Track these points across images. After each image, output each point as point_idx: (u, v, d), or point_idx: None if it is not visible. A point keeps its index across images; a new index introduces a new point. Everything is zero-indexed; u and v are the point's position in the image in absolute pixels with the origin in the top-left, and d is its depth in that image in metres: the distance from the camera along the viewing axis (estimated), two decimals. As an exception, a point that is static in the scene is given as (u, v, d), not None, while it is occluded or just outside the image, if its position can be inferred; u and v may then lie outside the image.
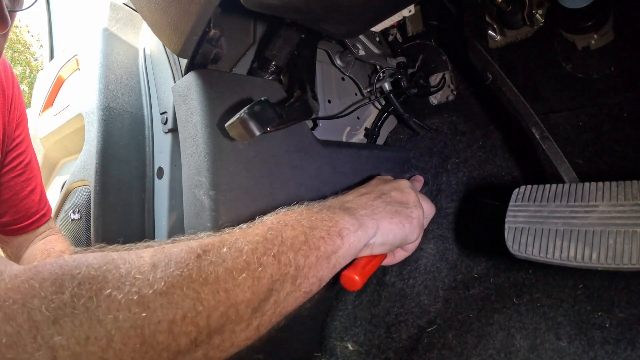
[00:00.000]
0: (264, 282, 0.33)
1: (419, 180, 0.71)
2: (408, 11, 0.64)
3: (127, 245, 0.35)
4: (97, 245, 0.33)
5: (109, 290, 0.27)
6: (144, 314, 0.27)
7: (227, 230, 0.38)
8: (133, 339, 0.26)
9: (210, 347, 0.31)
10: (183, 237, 0.36)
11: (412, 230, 0.49)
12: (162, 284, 0.28)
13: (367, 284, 0.70)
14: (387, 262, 0.55)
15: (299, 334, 0.65)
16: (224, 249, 0.33)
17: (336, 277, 0.44)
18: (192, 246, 0.32)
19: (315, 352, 0.67)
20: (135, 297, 0.27)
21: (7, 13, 0.42)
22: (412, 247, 0.54)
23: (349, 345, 0.64)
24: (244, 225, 0.39)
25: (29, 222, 0.72)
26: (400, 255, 0.55)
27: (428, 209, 0.56)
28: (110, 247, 0.33)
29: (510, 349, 0.51)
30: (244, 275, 0.32)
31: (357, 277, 0.46)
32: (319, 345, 0.67)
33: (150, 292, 0.28)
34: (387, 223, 0.46)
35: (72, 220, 0.84)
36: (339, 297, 0.70)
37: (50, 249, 0.72)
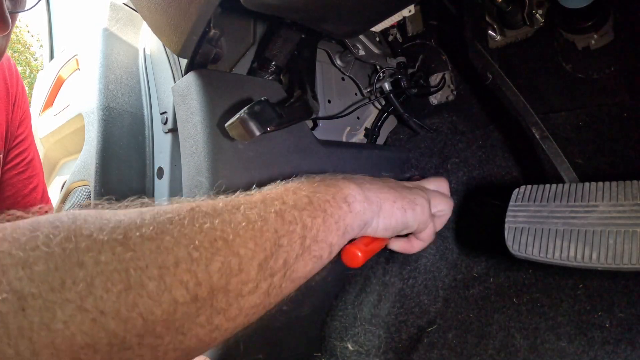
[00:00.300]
0: (267, 235, 0.30)
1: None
2: (408, 11, 0.64)
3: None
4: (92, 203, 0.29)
5: (90, 231, 0.23)
6: (129, 254, 0.23)
7: (221, 196, 0.35)
8: (117, 285, 0.22)
9: (214, 309, 0.26)
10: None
11: (415, 217, 0.46)
12: (151, 228, 0.25)
13: (367, 284, 0.70)
14: (406, 249, 0.53)
15: (299, 334, 0.65)
16: (220, 204, 0.30)
17: (338, 257, 0.42)
18: (185, 202, 0.29)
19: (315, 352, 0.67)
20: (120, 237, 0.23)
21: (8, 15, 0.42)
22: (426, 237, 0.52)
23: (349, 345, 0.64)
24: (242, 193, 0.36)
25: None
26: (418, 245, 0.53)
27: (443, 203, 0.53)
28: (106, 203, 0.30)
29: (510, 349, 0.51)
30: (244, 225, 0.29)
31: (359, 253, 0.44)
32: (319, 345, 0.67)
33: (137, 234, 0.24)
34: (390, 205, 0.43)
35: (72, 220, 0.84)
36: (339, 297, 0.70)
37: None
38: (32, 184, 0.73)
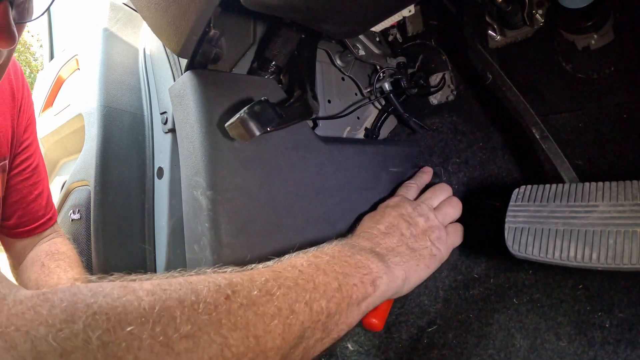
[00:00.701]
0: (295, 329, 0.32)
1: (427, 172, 0.70)
2: (408, 11, 0.64)
3: (148, 274, 0.32)
4: (114, 275, 0.30)
5: (131, 327, 0.24)
6: (168, 357, 0.24)
7: (251, 266, 0.37)
8: None
9: None
10: (208, 270, 0.34)
11: (439, 262, 0.52)
12: (189, 326, 0.26)
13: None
14: None
15: (299, 334, 0.65)
16: (255, 292, 0.31)
17: None
18: (220, 284, 0.30)
19: (315, 352, 0.67)
20: (160, 338, 0.24)
21: (15, 28, 0.40)
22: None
23: (349, 345, 0.64)
24: (270, 263, 0.38)
25: (35, 225, 0.73)
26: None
27: (452, 212, 0.59)
28: (129, 277, 0.31)
29: (510, 349, 0.51)
30: (275, 322, 0.30)
31: (376, 321, 0.49)
32: (319, 346, 0.67)
33: (176, 334, 0.25)
34: (414, 271, 0.48)
35: (72, 220, 0.84)
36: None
37: (55, 250, 0.72)
38: (37, 190, 0.73)
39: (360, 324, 0.48)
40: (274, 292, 0.32)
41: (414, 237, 0.51)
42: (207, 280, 0.30)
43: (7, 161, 0.67)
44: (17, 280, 0.73)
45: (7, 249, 0.75)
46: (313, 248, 0.42)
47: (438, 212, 0.57)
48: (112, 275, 0.30)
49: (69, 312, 0.23)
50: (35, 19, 0.47)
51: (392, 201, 0.58)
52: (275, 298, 0.32)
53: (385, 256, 0.45)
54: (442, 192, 0.61)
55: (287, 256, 0.40)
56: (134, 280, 0.30)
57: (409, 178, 0.70)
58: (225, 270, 0.35)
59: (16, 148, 0.69)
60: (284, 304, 0.32)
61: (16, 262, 0.74)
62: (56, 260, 0.69)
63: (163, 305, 0.26)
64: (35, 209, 0.72)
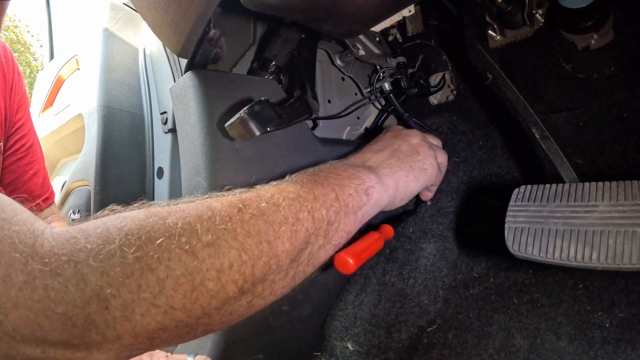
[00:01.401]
0: (300, 235, 0.35)
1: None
2: (408, 11, 0.64)
3: (166, 201, 0.35)
4: (137, 203, 0.33)
5: (160, 240, 0.27)
6: (194, 262, 0.27)
7: (258, 186, 0.39)
8: (184, 286, 0.27)
9: (254, 295, 0.32)
10: (219, 193, 0.37)
11: (428, 179, 0.54)
12: (210, 236, 0.29)
13: (367, 283, 0.70)
14: (426, 197, 0.66)
15: (299, 334, 0.65)
16: (263, 204, 0.34)
17: (331, 260, 0.46)
18: (231, 200, 0.34)
19: (315, 352, 0.67)
20: (186, 247, 0.27)
21: None
22: (434, 188, 0.64)
23: (349, 345, 0.64)
24: (273, 183, 0.41)
25: (32, 205, 0.72)
26: (427, 196, 0.66)
27: (443, 155, 0.61)
28: (148, 203, 0.33)
29: (510, 349, 0.51)
30: (284, 228, 0.34)
31: (351, 261, 0.47)
32: (319, 345, 0.67)
33: (199, 243, 0.28)
34: (404, 181, 0.50)
35: (72, 220, 0.84)
36: (339, 297, 0.70)
37: None
38: (32, 169, 0.72)
39: (332, 262, 0.48)
40: (280, 203, 0.35)
41: (405, 152, 0.54)
42: (219, 199, 0.34)
43: (1, 143, 0.67)
44: None
45: None
46: (310, 168, 0.46)
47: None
48: (135, 203, 0.33)
49: (104, 237, 0.26)
50: None
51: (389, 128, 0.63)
52: (282, 208, 0.35)
53: (375, 168, 0.49)
54: (434, 139, 0.67)
55: (287, 177, 0.43)
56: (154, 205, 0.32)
57: None
58: (234, 191, 0.37)
59: (9, 129, 0.69)
60: (290, 212, 0.35)
61: None
62: None
63: (185, 221, 0.29)
64: (31, 189, 0.72)
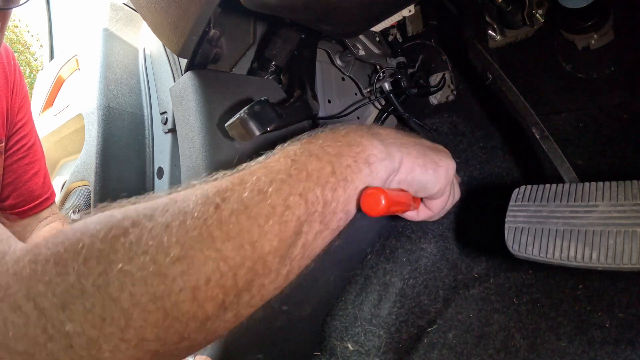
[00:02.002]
0: (291, 226, 0.30)
1: None
2: (408, 11, 0.64)
3: (132, 198, 0.30)
4: (99, 206, 0.29)
5: (120, 265, 0.23)
6: (162, 286, 0.24)
7: (243, 166, 0.34)
8: (154, 314, 0.24)
9: (240, 306, 0.28)
10: (196, 182, 0.32)
11: (436, 179, 0.43)
12: (179, 248, 0.25)
13: (367, 283, 0.70)
14: (410, 216, 0.49)
15: (299, 334, 0.65)
16: (246, 193, 0.29)
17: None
18: (208, 194, 0.28)
19: (315, 352, 0.67)
20: (151, 268, 0.24)
21: None
22: (436, 207, 0.48)
23: (349, 345, 0.64)
24: (261, 158, 0.35)
25: (32, 205, 0.72)
26: (424, 214, 0.49)
27: (457, 184, 0.50)
28: (114, 204, 0.29)
29: (510, 349, 0.51)
30: (271, 222, 0.28)
31: (383, 201, 0.36)
32: (319, 345, 0.67)
33: (167, 260, 0.24)
34: (412, 161, 0.41)
35: (72, 220, 0.84)
36: (339, 297, 0.70)
37: None
38: (33, 169, 0.73)
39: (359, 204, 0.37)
40: (266, 190, 0.29)
41: (421, 140, 0.45)
42: (194, 194, 0.28)
43: (3, 143, 0.67)
44: None
45: None
46: (306, 133, 0.38)
47: None
48: (97, 206, 0.29)
49: (62, 265, 0.23)
50: (22, 4, 0.47)
51: None
52: (268, 196, 0.29)
53: (382, 137, 0.40)
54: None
55: (278, 146, 0.36)
56: (121, 207, 0.28)
57: None
58: (215, 177, 0.32)
59: (10, 129, 0.69)
60: (278, 200, 0.29)
61: None
62: None
63: (149, 234, 0.25)
64: (31, 189, 0.72)
